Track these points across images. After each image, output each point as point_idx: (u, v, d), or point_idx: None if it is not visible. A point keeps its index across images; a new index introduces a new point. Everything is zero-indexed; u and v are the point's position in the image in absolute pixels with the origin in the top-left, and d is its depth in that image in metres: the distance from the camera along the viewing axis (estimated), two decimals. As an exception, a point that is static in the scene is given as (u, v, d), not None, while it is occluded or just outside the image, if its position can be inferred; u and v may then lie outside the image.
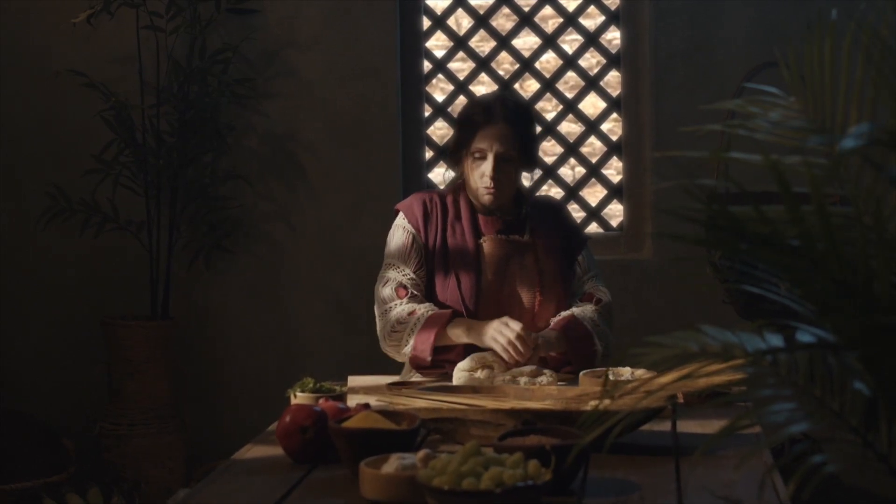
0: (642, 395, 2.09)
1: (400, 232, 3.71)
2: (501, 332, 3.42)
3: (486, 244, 3.68)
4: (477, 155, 3.62)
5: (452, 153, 3.73)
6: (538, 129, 3.72)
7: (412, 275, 3.65)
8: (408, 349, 3.58)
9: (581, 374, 3.27)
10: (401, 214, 3.74)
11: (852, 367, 1.78)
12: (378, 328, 3.67)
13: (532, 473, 2.25)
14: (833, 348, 1.76)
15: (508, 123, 3.63)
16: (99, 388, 4.98)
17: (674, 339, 1.90)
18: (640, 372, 3.21)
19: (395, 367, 3.83)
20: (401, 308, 3.60)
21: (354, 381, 3.56)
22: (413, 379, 3.53)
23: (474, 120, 3.64)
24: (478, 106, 3.69)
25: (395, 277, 3.65)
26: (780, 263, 1.71)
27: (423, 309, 3.58)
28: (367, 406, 2.79)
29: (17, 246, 5.16)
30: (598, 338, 3.62)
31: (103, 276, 5.15)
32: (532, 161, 3.74)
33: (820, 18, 1.90)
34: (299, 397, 3.00)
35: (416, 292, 3.63)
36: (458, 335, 3.52)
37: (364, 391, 3.07)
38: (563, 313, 3.66)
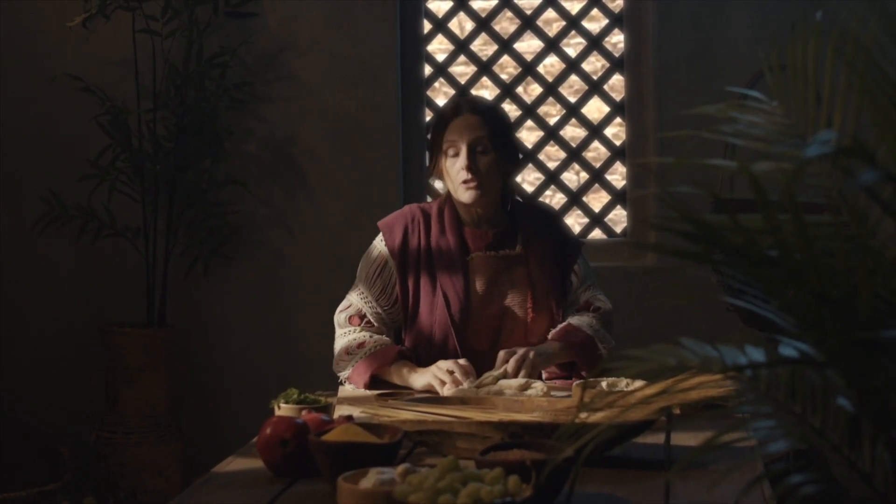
0: (623, 409, 2.03)
1: (374, 254, 3.66)
2: (438, 371, 3.37)
3: (474, 262, 3.60)
4: (451, 152, 3.56)
5: (431, 158, 3.68)
6: (511, 125, 3.73)
7: (373, 302, 3.61)
8: (343, 376, 3.58)
9: (574, 384, 3.20)
10: (380, 235, 3.68)
11: (834, 383, 1.71)
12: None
13: (512, 489, 2.19)
14: (814, 364, 1.69)
15: (477, 114, 3.59)
16: (96, 396, 4.93)
17: (651, 353, 1.84)
18: (637, 383, 3.14)
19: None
20: (352, 337, 3.58)
21: (345, 391, 3.51)
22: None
23: (443, 118, 3.62)
24: (443, 107, 3.70)
25: (355, 304, 3.63)
26: (757, 275, 1.64)
27: (372, 343, 3.54)
28: (349, 418, 2.73)
29: (13, 252, 5.12)
30: (599, 341, 3.55)
31: (100, 283, 5.11)
32: (509, 150, 3.62)
33: (804, 20, 1.83)
34: (283, 408, 2.94)
35: (372, 321, 3.61)
36: (399, 377, 3.49)
37: (349, 402, 3.01)
38: (561, 325, 3.58)
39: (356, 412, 2.91)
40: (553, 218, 3.75)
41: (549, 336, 3.56)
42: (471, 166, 3.52)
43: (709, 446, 1.73)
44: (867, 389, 1.66)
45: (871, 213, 1.75)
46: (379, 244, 3.66)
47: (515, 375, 3.34)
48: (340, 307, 3.67)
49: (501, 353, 3.42)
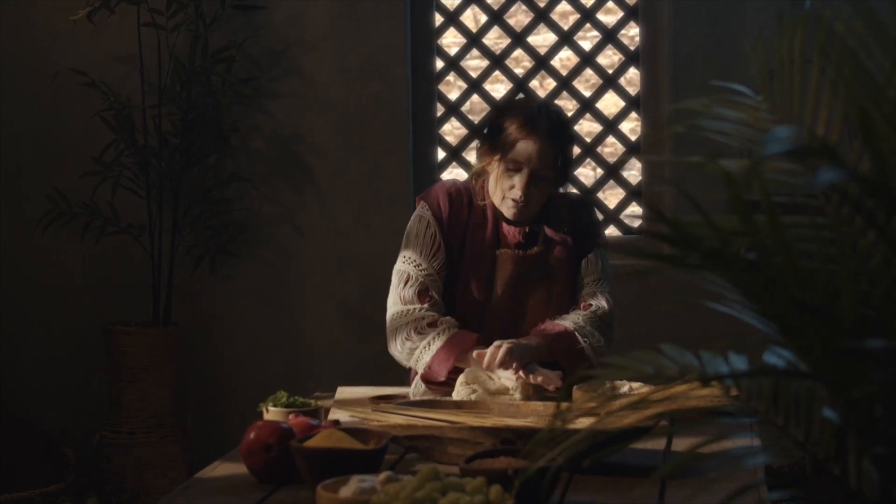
0: (604, 415, 1.94)
1: (423, 224, 3.48)
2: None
3: (502, 258, 3.48)
4: (511, 166, 3.39)
5: (485, 149, 3.47)
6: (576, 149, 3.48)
7: (434, 274, 3.45)
8: (420, 365, 3.39)
9: (574, 388, 3.10)
10: (423, 205, 3.50)
11: (819, 394, 1.62)
12: (389, 327, 3.44)
13: (494, 499, 2.10)
14: (798, 374, 1.60)
15: (550, 140, 3.39)
16: (100, 396, 4.88)
17: (629, 361, 1.76)
18: (637, 385, 3.05)
19: (401, 376, 3.68)
20: (421, 315, 3.39)
21: (343, 392, 3.43)
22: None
23: (513, 130, 3.40)
24: (519, 114, 3.43)
25: (417, 276, 3.44)
26: (735, 279, 1.55)
27: (444, 325, 3.38)
28: (336, 423, 2.65)
29: (17, 250, 5.07)
30: (581, 336, 3.39)
31: (105, 281, 5.06)
32: (566, 181, 3.54)
33: (792, 11, 1.74)
34: (271, 412, 2.86)
35: (435, 295, 3.43)
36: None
37: (338, 404, 2.94)
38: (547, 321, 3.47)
39: (344, 416, 2.83)
40: (580, 209, 3.60)
41: (531, 331, 3.43)
42: (527, 192, 3.39)
43: (694, 454, 1.65)
44: (852, 400, 1.57)
45: (858, 218, 1.65)
46: (426, 213, 3.49)
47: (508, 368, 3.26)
48: (401, 282, 3.45)
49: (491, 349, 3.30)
